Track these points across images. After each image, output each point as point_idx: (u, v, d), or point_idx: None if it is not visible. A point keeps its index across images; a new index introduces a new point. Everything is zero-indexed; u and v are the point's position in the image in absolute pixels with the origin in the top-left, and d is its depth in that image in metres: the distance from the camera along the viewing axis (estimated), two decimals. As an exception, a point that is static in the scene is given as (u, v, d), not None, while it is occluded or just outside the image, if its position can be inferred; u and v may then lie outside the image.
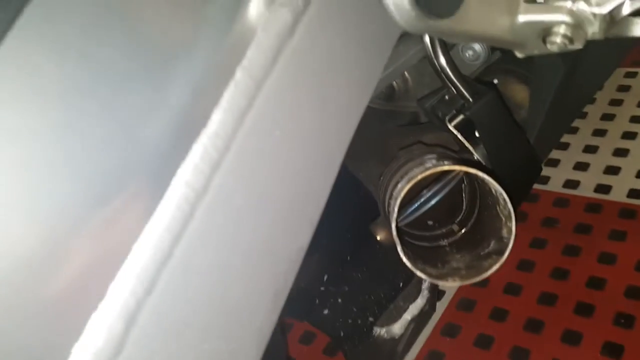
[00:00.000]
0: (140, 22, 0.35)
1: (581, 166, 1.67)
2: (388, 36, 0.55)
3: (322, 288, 1.10)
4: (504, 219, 0.68)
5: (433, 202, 0.94)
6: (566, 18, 0.55)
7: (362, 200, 1.19)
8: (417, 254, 0.77)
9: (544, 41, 0.58)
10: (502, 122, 0.85)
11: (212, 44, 0.37)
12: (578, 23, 0.56)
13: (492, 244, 0.72)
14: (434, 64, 0.92)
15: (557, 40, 0.57)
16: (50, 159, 0.34)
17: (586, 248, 1.48)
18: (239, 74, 0.37)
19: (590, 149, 1.70)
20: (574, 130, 1.77)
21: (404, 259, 0.66)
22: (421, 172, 0.68)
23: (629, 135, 1.69)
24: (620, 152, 1.66)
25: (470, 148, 0.89)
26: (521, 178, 0.91)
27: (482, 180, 0.67)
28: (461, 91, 0.89)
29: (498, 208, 0.70)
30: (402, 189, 0.69)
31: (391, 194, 0.77)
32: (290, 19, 0.39)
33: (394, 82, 1.09)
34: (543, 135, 0.97)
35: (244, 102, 0.37)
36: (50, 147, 0.34)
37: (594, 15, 0.55)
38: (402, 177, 0.77)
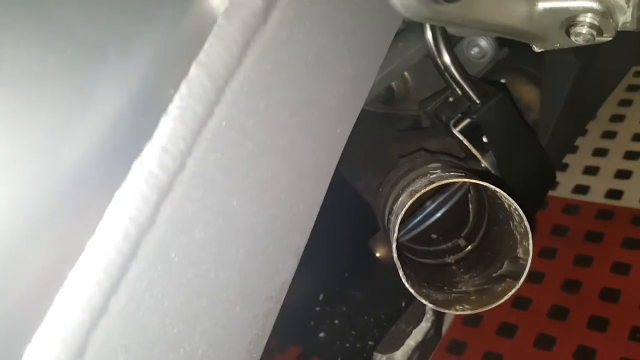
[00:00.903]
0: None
1: (591, 170, 1.59)
2: (386, 27, 0.46)
3: (318, 308, 1.01)
4: (519, 237, 0.60)
5: (437, 215, 0.86)
6: (594, 5, 0.47)
7: (361, 211, 1.10)
8: (421, 275, 0.69)
9: (568, 32, 0.50)
10: (512, 126, 0.77)
11: (158, 34, 0.28)
12: (608, 11, 0.47)
13: (506, 265, 0.63)
14: (437, 62, 0.83)
15: (582, 31, 0.49)
16: None
17: (598, 257, 1.40)
18: (193, 72, 0.28)
19: (600, 152, 1.62)
20: (583, 133, 1.69)
21: (407, 284, 0.58)
22: (425, 186, 0.60)
23: (639, 137, 1.62)
24: (632, 155, 1.58)
25: (478, 155, 0.81)
26: (534, 187, 0.83)
27: (494, 192, 0.59)
28: (467, 92, 0.80)
29: (512, 224, 0.61)
30: (404, 204, 0.61)
31: (391, 209, 0.68)
32: (261, 2, 0.31)
33: (393, 83, 1.01)
34: (556, 139, 0.89)
35: (201, 108, 0.29)
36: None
37: (627, 1, 0.47)
38: (403, 190, 0.68)
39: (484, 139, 0.81)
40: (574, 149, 1.65)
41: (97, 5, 0.27)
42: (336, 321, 0.98)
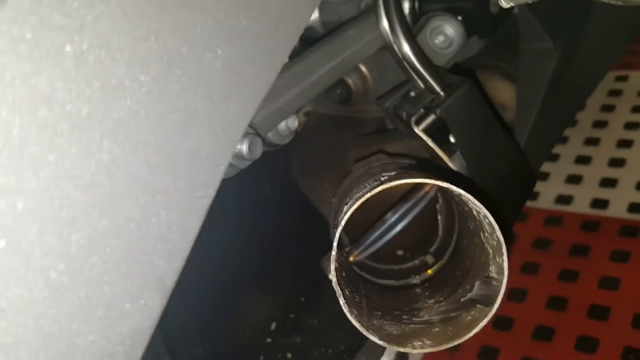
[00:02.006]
0: None
1: (574, 179, 1.50)
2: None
3: (269, 340, 0.88)
4: (491, 251, 0.48)
5: (399, 227, 0.74)
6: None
7: (320, 227, 0.98)
8: (377, 302, 0.56)
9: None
10: (482, 121, 0.65)
11: None
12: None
13: (477, 287, 0.51)
14: (395, 51, 0.72)
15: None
16: None
17: (585, 272, 1.31)
18: None
19: (583, 160, 1.53)
20: (564, 140, 1.60)
21: (349, 316, 0.45)
22: (370, 190, 0.48)
23: (624, 144, 1.53)
24: (616, 162, 1.49)
25: (444, 157, 0.69)
26: (510, 193, 0.71)
27: (459, 196, 0.47)
28: (429, 83, 0.69)
29: (483, 236, 0.49)
30: (345, 214, 0.49)
31: (337, 221, 0.56)
32: None
33: (350, 81, 0.89)
34: (534, 140, 0.78)
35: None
36: None
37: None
38: (351, 198, 0.56)
39: (451, 138, 0.69)
40: (555, 157, 1.56)
41: None
42: (289, 354, 0.85)
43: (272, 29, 0.38)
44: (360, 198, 0.48)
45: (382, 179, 0.52)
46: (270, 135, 0.73)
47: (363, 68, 0.89)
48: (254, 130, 0.59)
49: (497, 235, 0.45)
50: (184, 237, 0.31)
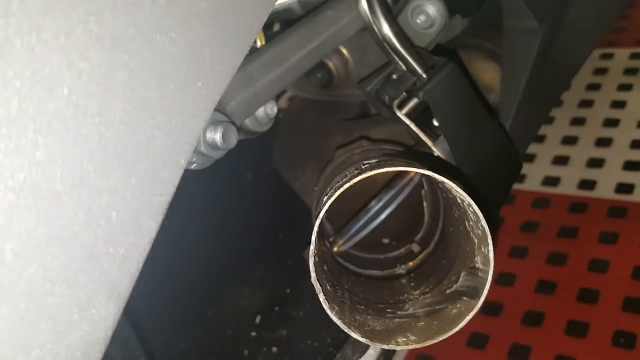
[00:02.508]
0: None
1: (561, 160, 1.48)
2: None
3: (254, 334, 0.86)
4: (476, 241, 0.46)
5: (383, 215, 0.71)
6: None
7: (306, 218, 0.95)
8: (361, 294, 0.54)
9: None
10: (466, 103, 0.63)
11: None
12: None
13: (463, 278, 0.49)
14: (375, 32, 0.69)
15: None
16: None
17: (573, 255, 1.29)
18: None
19: (569, 141, 1.51)
20: (550, 120, 1.58)
21: (330, 312, 0.43)
22: (350, 179, 0.45)
23: (610, 123, 1.51)
24: (603, 142, 1.47)
25: (428, 141, 0.67)
26: (496, 177, 0.69)
27: (443, 184, 0.45)
28: (411, 65, 0.66)
29: (467, 225, 0.47)
30: (324, 205, 0.46)
31: (317, 212, 0.54)
32: None
33: (331, 64, 0.86)
34: (520, 121, 0.75)
35: None
36: None
37: None
38: (332, 187, 0.54)
39: (435, 122, 0.67)
40: (540, 138, 1.54)
41: None
42: (274, 348, 0.82)
43: (235, 9, 0.34)
44: (339, 188, 0.46)
45: (363, 167, 0.50)
46: (247, 123, 0.70)
47: (344, 50, 0.86)
48: (227, 118, 0.56)
49: (481, 225, 0.42)
50: (139, 240, 0.28)
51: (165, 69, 0.29)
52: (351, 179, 0.46)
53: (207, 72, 0.33)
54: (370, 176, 0.78)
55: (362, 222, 0.74)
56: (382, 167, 0.45)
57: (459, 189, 0.42)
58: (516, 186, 1.45)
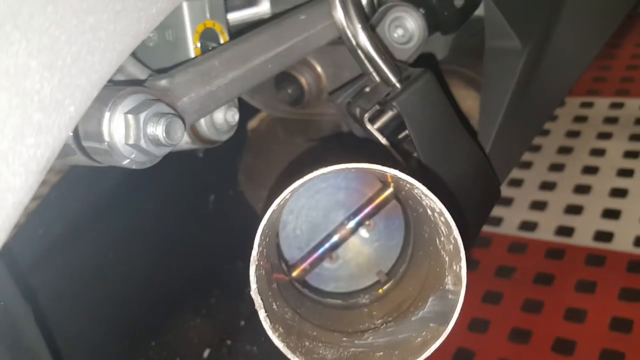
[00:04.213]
0: None
1: (538, 205, 1.44)
2: None
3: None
4: (447, 259, 0.39)
5: (349, 241, 0.65)
6: None
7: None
8: (313, 323, 0.47)
9: None
10: (442, 117, 0.57)
11: None
12: None
13: (431, 303, 0.42)
14: (349, 39, 0.64)
15: None
16: None
17: (549, 302, 1.23)
18: None
19: (547, 186, 1.48)
20: (528, 165, 1.55)
21: (269, 332, 0.36)
22: (303, 177, 0.39)
23: (589, 170, 1.48)
24: (582, 189, 1.44)
25: (399, 157, 0.61)
26: (472, 201, 0.63)
27: (411, 190, 0.39)
28: (385, 74, 0.61)
29: (438, 242, 0.41)
30: (274, 201, 0.40)
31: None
32: None
33: (303, 80, 0.81)
34: (499, 146, 0.71)
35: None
36: None
37: None
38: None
39: (408, 136, 0.61)
40: (518, 182, 1.50)
41: None
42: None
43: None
44: (287, 187, 0.40)
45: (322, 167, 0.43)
46: (205, 129, 0.64)
47: (317, 66, 0.81)
48: (174, 111, 0.50)
49: (454, 237, 0.36)
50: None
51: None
52: (301, 178, 0.40)
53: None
54: (337, 199, 0.72)
55: (325, 247, 0.67)
56: (340, 165, 0.40)
57: (428, 192, 0.36)
58: (492, 229, 1.40)
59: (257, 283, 0.37)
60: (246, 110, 0.69)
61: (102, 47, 0.27)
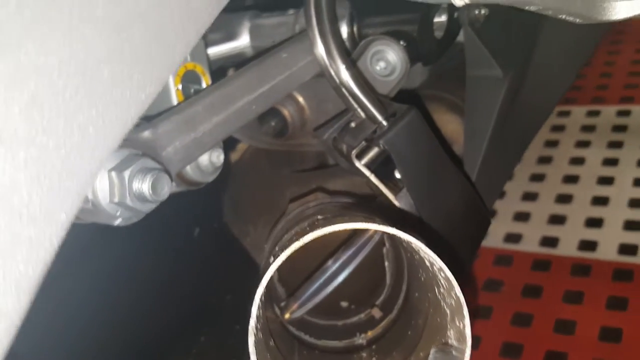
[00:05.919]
0: None
1: (522, 217, 1.45)
2: None
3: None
4: (448, 312, 0.39)
5: (341, 278, 0.64)
6: None
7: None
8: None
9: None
10: (430, 154, 0.57)
11: None
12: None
13: (433, 355, 0.42)
14: (331, 77, 0.64)
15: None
16: None
17: (539, 315, 1.24)
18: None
19: (529, 197, 1.49)
20: (509, 177, 1.55)
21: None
22: (295, 242, 0.38)
23: (570, 179, 1.50)
24: (564, 199, 1.46)
25: (390, 194, 0.61)
26: (464, 233, 0.63)
27: (408, 243, 0.38)
28: (371, 112, 0.61)
29: (437, 292, 0.40)
30: (269, 269, 0.39)
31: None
32: None
33: (286, 112, 0.80)
34: (485, 174, 0.71)
35: None
36: None
37: None
38: (279, 249, 0.46)
39: (397, 173, 0.61)
40: (501, 194, 1.51)
41: None
42: None
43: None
44: (286, 248, 0.39)
45: (317, 222, 0.43)
46: (190, 172, 0.62)
47: (300, 97, 0.81)
48: (159, 166, 0.49)
49: (455, 294, 0.36)
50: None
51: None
52: (301, 236, 0.39)
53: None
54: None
55: (318, 283, 0.66)
56: (337, 224, 0.39)
57: (428, 251, 0.35)
58: (478, 243, 1.41)
59: (256, 354, 0.36)
60: (228, 141, 0.67)
61: (92, 145, 0.26)
